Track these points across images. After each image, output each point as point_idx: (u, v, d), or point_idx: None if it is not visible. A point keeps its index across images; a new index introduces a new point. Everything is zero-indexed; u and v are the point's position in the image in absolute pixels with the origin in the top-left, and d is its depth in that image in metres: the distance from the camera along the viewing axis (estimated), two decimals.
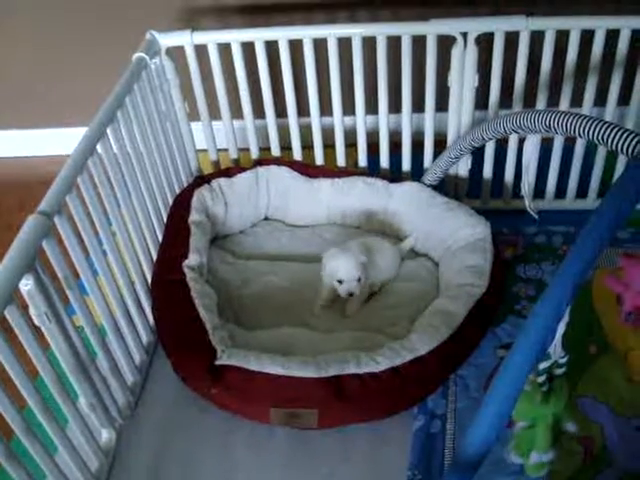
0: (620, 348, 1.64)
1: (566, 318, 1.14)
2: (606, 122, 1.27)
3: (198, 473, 1.49)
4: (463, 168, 1.98)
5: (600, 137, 1.26)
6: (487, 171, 2.00)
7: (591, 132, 1.28)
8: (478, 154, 1.95)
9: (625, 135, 1.21)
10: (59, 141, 2.44)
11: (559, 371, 1.29)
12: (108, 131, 1.55)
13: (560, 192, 2.04)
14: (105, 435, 1.54)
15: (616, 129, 1.23)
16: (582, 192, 2.03)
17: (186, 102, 1.96)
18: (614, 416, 1.51)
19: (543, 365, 1.24)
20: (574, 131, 1.32)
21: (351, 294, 1.65)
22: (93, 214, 1.47)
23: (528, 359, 1.04)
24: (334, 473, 1.46)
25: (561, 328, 1.17)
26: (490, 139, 1.69)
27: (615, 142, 1.23)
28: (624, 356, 1.63)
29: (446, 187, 2.02)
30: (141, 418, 1.61)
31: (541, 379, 1.27)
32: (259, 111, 2.01)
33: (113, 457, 1.53)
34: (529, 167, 1.60)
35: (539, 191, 2.00)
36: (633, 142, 1.20)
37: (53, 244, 1.29)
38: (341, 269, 1.64)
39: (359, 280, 1.65)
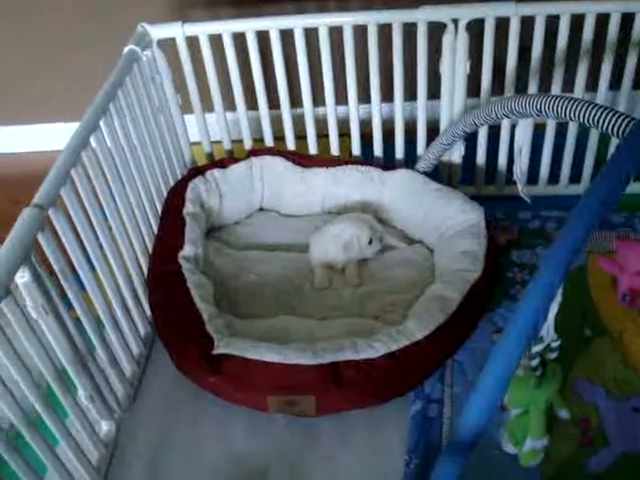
0: (615, 330, 1.65)
1: (558, 299, 1.14)
2: (596, 104, 1.27)
3: (198, 462, 1.50)
4: (456, 155, 1.99)
5: (591, 120, 1.27)
6: (480, 158, 2.01)
7: (582, 115, 1.29)
8: (471, 141, 1.96)
9: (615, 117, 1.22)
10: (51, 137, 2.44)
11: (552, 355, 1.30)
12: (101, 124, 1.55)
13: (553, 178, 2.05)
14: (105, 427, 1.55)
15: (607, 111, 1.24)
16: (575, 177, 2.04)
17: (179, 94, 1.96)
18: (610, 397, 1.53)
19: (536, 348, 1.25)
20: (565, 114, 1.32)
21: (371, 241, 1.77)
22: (88, 207, 1.47)
23: (520, 341, 1.05)
24: (333, 458, 1.47)
25: (553, 310, 1.18)
26: (482, 124, 1.70)
27: (606, 124, 1.24)
28: (619, 338, 1.64)
29: (440, 174, 2.03)
30: (140, 409, 1.62)
31: (534, 363, 1.27)
32: (252, 102, 2.01)
33: (113, 448, 1.54)
34: (521, 152, 1.60)
35: (532, 177, 2.01)
36: (623, 123, 1.20)
37: (48, 237, 1.29)
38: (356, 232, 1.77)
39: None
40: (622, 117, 1.22)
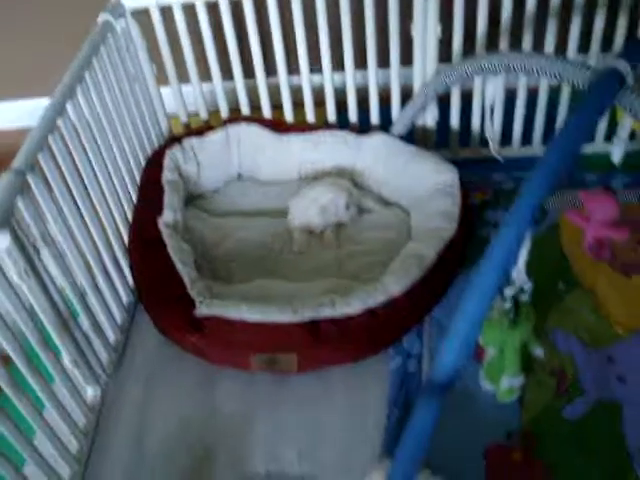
0: (587, 283, 1.70)
1: (527, 244, 1.18)
2: (560, 58, 1.30)
3: (183, 424, 1.52)
4: (430, 118, 2.01)
5: (556, 73, 1.29)
6: (454, 121, 2.03)
7: (547, 69, 1.31)
8: (445, 104, 1.99)
9: (577, 68, 1.25)
10: (26, 112, 2.42)
11: (524, 297, 1.34)
12: (78, 91, 1.56)
13: (526, 139, 2.07)
14: (90, 392, 1.57)
15: (569, 64, 1.26)
16: (548, 138, 2.07)
17: (154, 65, 1.97)
18: (584, 347, 1.57)
19: (509, 292, 1.29)
20: (532, 69, 1.35)
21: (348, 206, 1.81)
22: (66, 173, 1.49)
23: (491, 284, 1.08)
24: (315, 414, 1.50)
25: (523, 255, 1.22)
26: (453, 84, 1.72)
27: (569, 76, 1.26)
28: (591, 290, 1.68)
29: (415, 138, 2.05)
30: (125, 374, 1.64)
31: (507, 305, 1.32)
32: (227, 72, 2.02)
33: (99, 413, 1.56)
34: (492, 110, 1.62)
35: (506, 138, 2.04)
36: (587, 75, 1.23)
37: (28, 201, 1.31)
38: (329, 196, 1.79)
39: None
40: (585, 69, 1.24)
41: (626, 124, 1.35)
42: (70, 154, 1.51)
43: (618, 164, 1.35)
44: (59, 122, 1.46)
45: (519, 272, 1.25)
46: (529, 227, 1.11)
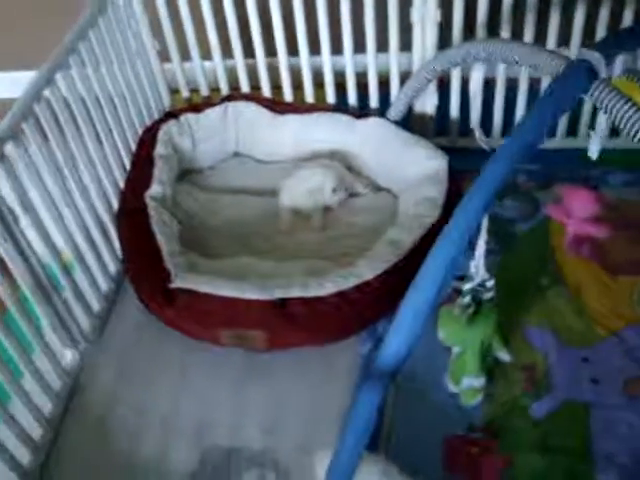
0: (573, 281, 1.67)
1: (484, 237, 1.17)
2: (537, 47, 1.27)
3: (156, 395, 1.56)
4: (430, 105, 2.00)
5: (533, 63, 1.27)
6: (454, 109, 2.01)
7: (525, 59, 1.29)
8: (445, 92, 1.97)
9: (553, 59, 1.22)
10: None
11: (488, 295, 1.33)
12: (70, 61, 1.58)
13: None
14: (69, 356, 1.61)
15: (545, 53, 1.24)
16: (550, 130, 2.02)
17: (156, 40, 1.99)
18: (561, 345, 1.55)
19: (467, 286, 1.28)
20: (511, 57, 1.33)
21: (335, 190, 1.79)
22: (53, 143, 1.52)
23: (435, 275, 1.08)
24: (284, 392, 1.53)
25: (480, 248, 1.21)
26: (443, 70, 1.70)
27: (545, 67, 1.24)
28: (576, 289, 1.66)
29: (413, 125, 2.03)
30: (106, 342, 1.69)
31: (466, 300, 1.31)
32: (229, 51, 2.03)
33: (76, 379, 1.60)
34: (476, 98, 1.60)
35: (505, 130, 2.01)
36: (560, 63, 1.21)
37: (9, 167, 1.35)
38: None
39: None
40: (562, 60, 1.22)
41: (602, 119, 1.31)
42: (59, 124, 1.54)
43: (595, 159, 1.33)
44: (46, 92, 1.49)
45: (477, 267, 1.24)
46: (480, 219, 1.09)
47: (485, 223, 1.17)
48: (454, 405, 1.46)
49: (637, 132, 1.08)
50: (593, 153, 1.31)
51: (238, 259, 1.70)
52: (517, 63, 1.32)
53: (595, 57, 1.14)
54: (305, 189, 1.80)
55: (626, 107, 1.11)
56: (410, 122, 2.02)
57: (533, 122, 1.08)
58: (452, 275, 1.11)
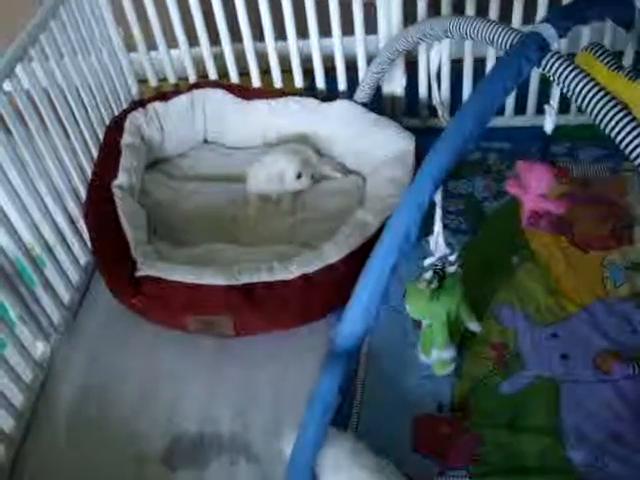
0: (543, 259, 1.67)
1: (439, 213, 1.17)
2: (493, 22, 1.26)
3: (127, 384, 1.56)
4: (398, 86, 1.99)
5: (487, 38, 1.26)
6: (422, 89, 2.01)
7: (478, 33, 1.28)
8: (415, 72, 1.96)
9: (507, 33, 1.22)
10: None
11: (452, 269, 1.33)
12: (32, 53, 1.57)
13: (498, 109, 2.03)
14: (40, 348, 1.62)
15: (500, 27, 1.23)
16: (520, 109, 2.03)
17: (120, 27, 1.98)
18: (530, 323, 1.55)
19: (428, 261, 1.28)
20: (466, 33, 1.32)
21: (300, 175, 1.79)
22: (15, 135, 1.51)
23: (388, 254, 1.08)
24: (254, 377, 1.53)
25: (438, 224, 1.21)
26: (403, 49, 1.69)
27: (499, 41, 1.23)
28: (546, 266, 1.66)
29: (383, 106, 2.03)
30: (77, 333, 1.69)
31: (427, 275, 1.31)
32: (194, 39, 2.03)
33: (47, 369, 1.61)
34: (438, 76, 1.60)
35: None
36: (515, 37, 1.20)
37: None
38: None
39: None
40: (515, 34, 1.21)
41: (556, 93, 1.31)
42: (21, 116, 1.53)
43: (550, 133, 1.32)
44: (6, 85, 1.48)
45: (437, 243, 1.24)
46: (431, 196, 1.09)
47: (439, 198, 1.17)
48: (423, 385, 1.46)
49: (587, 102, 1.07)
50: (549, 127, 1.31)
51: (208, 246, 1.70)
52: (472, 38, 1.31)
53: (546, 29, 1.14)
54: (269, 174, 1.79)
55: (578, 79, 1.10)
56: (380, 104, 2.01)
57: (483, 95, 1.07)
58: (407, 255, 1.10)
